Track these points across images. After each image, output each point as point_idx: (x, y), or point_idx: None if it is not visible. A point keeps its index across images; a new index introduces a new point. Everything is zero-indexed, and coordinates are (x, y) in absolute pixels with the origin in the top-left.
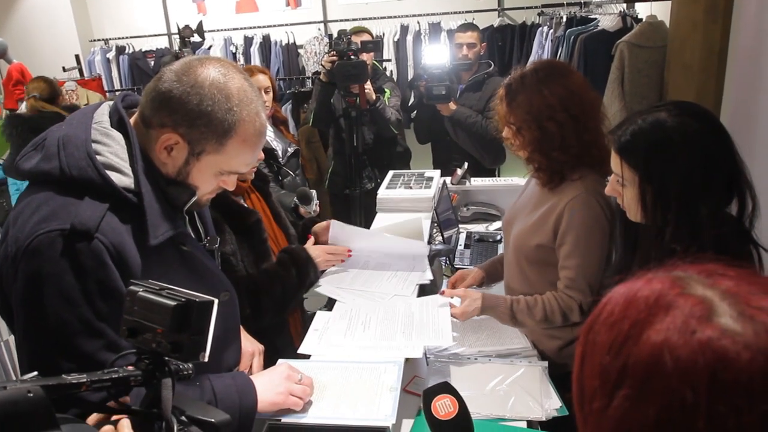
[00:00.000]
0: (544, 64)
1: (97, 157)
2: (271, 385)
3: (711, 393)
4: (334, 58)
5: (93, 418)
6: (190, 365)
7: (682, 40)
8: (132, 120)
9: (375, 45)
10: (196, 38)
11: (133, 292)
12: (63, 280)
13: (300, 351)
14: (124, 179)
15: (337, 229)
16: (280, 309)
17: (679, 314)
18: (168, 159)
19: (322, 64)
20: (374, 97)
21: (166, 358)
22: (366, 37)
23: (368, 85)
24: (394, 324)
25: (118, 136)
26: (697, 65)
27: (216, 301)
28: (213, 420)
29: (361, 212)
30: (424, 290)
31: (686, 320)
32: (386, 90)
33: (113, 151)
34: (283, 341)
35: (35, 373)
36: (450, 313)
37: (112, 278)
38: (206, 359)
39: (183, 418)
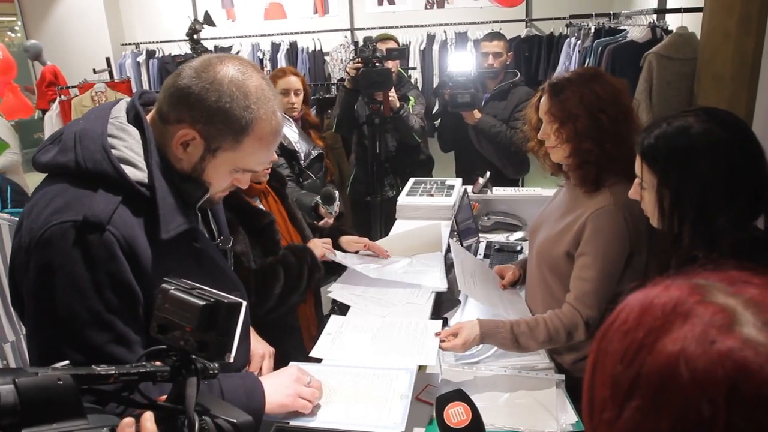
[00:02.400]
0: (588, 68)
1: (112, 151)
2: (279, 387)
3: (730, 406)
4: (359, 64)
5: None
6: (216, 365)
7: (713, 51)
8: (149, 116)
9: (400, 52)
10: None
11: (165, 290)
12: (73, 272)
13: (312, 354)
14: (137, 173)
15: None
16: (284, 295)
17: (698, 323)
18: (184, 155)
19: (346, 71)
20: (398, 104)
21: (193, 357)
22: (392, 45)
23: (392, 93)
24: (405, 332)
25: (134, 131)
26: (729, 77)
27: (245, 303)
28: (235, 420)
29: (382, 220)
30: (440, 297)
31: (705, 329)
32: (411, 98)
33: (128, 146)
34: (294, 344)
35: (67, 362)
36: (446, 347)
37: (122, 271)
38: (231, 360)
39: (206, 417)
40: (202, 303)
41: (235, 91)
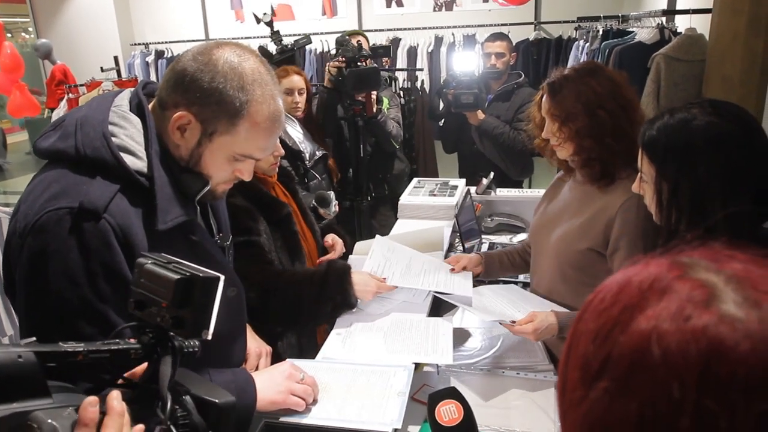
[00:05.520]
0: (584, 63)
1: (113, 138)
2: (271, 384)
3: (701, 387)
4: (342, 64)
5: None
6: (196, 342)
7: (722, 53)
8: (150, 106)
9: (385, 51)
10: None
11: (140, 264)
12: (67, 259)
13: (323, 355)
14: (137, 162)
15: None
16: (289, 316)
17: (675, 299)
18: (181, 140)
19: (328, 71)
20: (375, 109)
21: (170, 334)
22: (359, 38)
23: (373, 94)
24: (416, 331)
25: (136, 120)
26: (738, 79)
27: (222, 277)
28: (216, 401)
29: (364, 225)
30: (439, 298)
31: (682, 305)
32: (384, 99)
33: (129, 134)
34: (308, 339)
35: (34, 338)
36: (516, 330)
37: (117, 261)
38: (209, 337)
39: (185, 396)
40: (176, 277)
41: (229, 72)
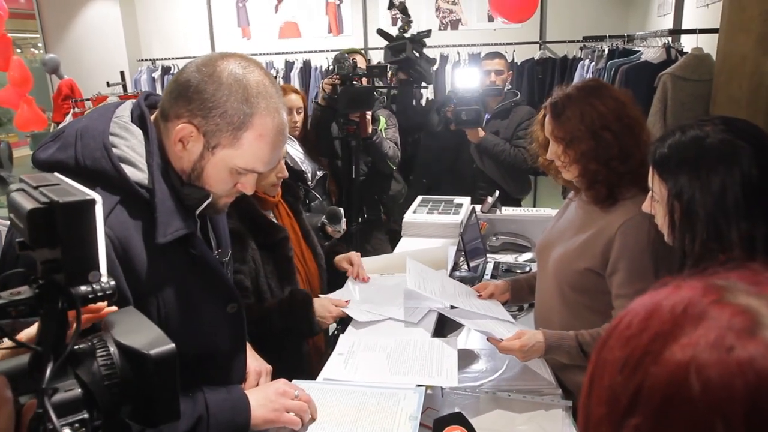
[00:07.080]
0: (587, 81)
1: (113, 149)
2: (265, 401)
3: (750, 426)
4: (336, 81)
5: None
6: (109, 283)
7: (729, 73)
8: (153, 117)
9: (381, 71)
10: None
11: (8, 192)
12: None
13: (323, 375)
14: (137, 174)
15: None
16: (259, 347)
17: (714, 326)
18: (183, 153)
19: (322, 88)
20: (370, 130)
21: (60, 282)
22: (359, 59)
23: (368, 114)
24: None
25: (137, 131)
26: (746, 99)
27: (99, 198)
28: (150, 353)
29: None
30: (443, 318)
31: (722, 334)
32: (381, 118)
33: (130, 145)
34: (300, 361)
35: None
36: (503, 345)
37: (115, 275)
38: (104, 278)
39: (112, 348)
40: (29, 207)
41: (234, 84)
